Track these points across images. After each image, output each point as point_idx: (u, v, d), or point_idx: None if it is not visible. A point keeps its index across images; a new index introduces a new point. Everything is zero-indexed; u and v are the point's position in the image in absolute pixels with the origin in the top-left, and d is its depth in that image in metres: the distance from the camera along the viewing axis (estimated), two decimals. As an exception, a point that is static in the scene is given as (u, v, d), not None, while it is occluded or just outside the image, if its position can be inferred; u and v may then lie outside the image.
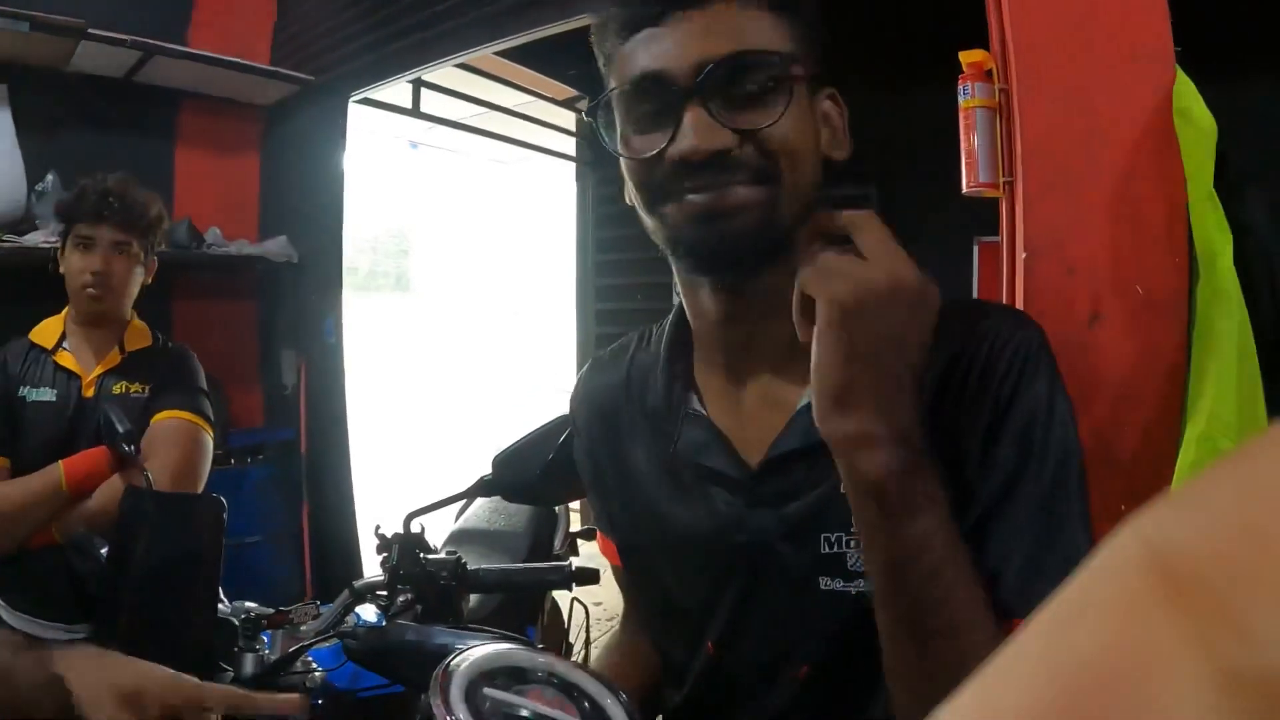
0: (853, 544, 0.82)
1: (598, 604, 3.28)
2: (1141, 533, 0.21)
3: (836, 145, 0.89)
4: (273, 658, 1.26)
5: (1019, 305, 1.45)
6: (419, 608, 1.34)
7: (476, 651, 0.73)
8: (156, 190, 2.22)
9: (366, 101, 3.58)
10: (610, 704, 0.71)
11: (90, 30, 2.72)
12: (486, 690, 0.66)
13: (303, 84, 3.32)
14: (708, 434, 0.91)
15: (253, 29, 3.49)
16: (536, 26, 2.55)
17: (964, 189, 1.53)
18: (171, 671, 0.94)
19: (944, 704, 0.22)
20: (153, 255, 2.13)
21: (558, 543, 2.55)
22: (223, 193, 3.51)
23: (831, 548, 0.83)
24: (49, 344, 2.06)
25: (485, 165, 7.76)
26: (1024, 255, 1.43)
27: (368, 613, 1.52)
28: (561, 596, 2.80)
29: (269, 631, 1.28)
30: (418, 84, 4.15)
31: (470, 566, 1.40)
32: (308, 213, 3.48)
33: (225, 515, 1.19)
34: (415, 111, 4.32)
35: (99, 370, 2.04)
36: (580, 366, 3.91)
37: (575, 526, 2.73)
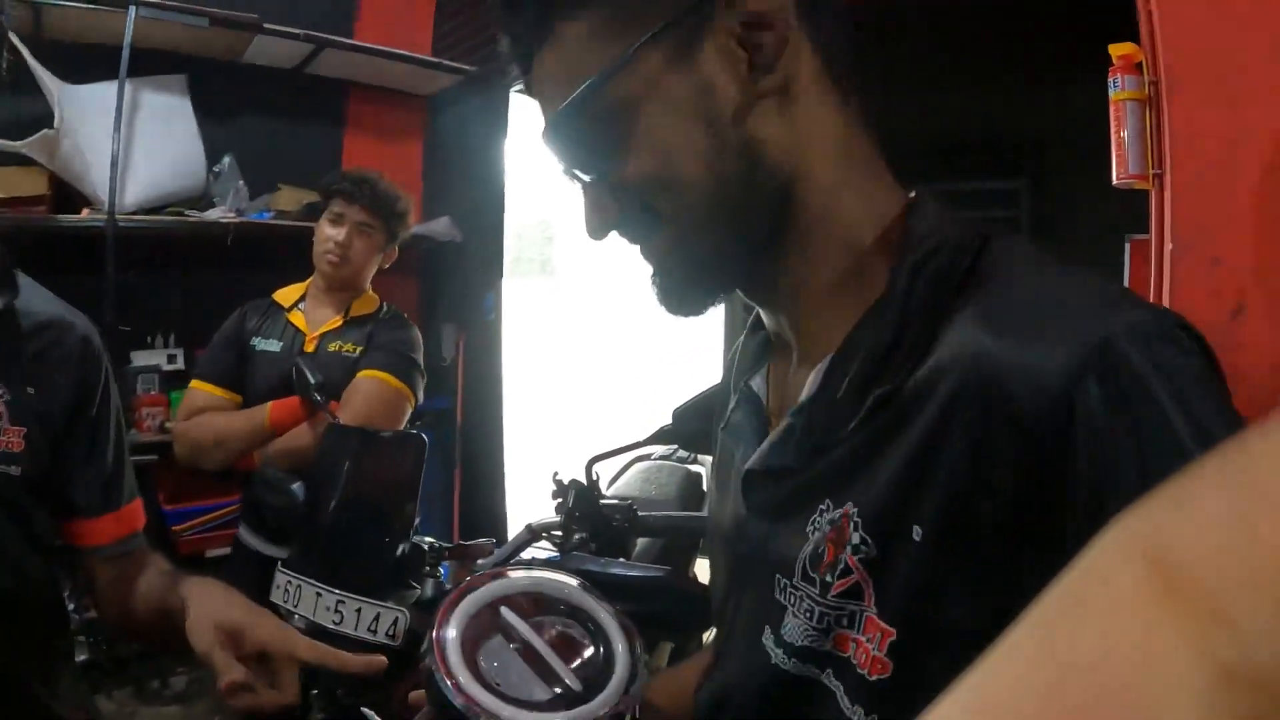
0: (796, 601, 0.61)
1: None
2: (1134, 530, 0.22)
3: (763, 67, 0.60)
4: (448, 586, 1.40)
5: (1166, 297, 1.46)
6: (593, 546, 1.45)
7: (509, 574, 0.72)
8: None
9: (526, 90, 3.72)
10: (620, 649, 0.66)
11: (265, 25, 2.94)
12: (502, 609, 0.65)
13: (464, 74, 3.48)
14: (749, 415, 0.75)
15: (415, 22, 3.66)
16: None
17: (1114, 180, 1.55)
18: (277, 620, 1.00)
19: (936, 701, 0.22)
20: (394, 244, 2.37)
21: (705, 511, 2.65)
22: (388, 176, 3.70)
23: (782, 593, 0.63)
24: (286, 304, 2.31)
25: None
26: (1170, 247, 1.45)
27: (540, 554, 1.64)
28: (703, 570, 2.91)
29: (446, 563, 1.42)
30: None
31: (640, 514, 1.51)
32: (469, 195, 3.66)
33: (426, 451, 1.33)
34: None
35: (322, 330, 2.27)
36: (727, 342, 3.98)
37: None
